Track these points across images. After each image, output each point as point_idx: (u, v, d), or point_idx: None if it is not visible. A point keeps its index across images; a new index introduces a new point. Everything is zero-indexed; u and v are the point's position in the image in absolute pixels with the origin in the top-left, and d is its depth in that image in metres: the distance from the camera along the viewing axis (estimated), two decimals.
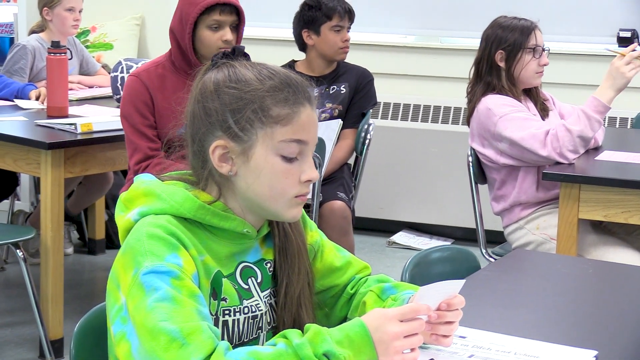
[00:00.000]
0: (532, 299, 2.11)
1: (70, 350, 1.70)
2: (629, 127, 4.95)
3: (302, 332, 1.49)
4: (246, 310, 1.65)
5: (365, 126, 4.30)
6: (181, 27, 3.23)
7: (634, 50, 3.37)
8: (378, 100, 4.51)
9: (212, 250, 1.61)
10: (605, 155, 3.47)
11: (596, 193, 3.16)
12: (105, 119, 3.83)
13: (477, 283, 2.13)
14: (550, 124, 3.41)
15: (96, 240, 4.95)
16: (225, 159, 1.61)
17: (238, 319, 1.63)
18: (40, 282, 3.64)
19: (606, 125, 4.71)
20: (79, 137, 3.62)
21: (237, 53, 1.67)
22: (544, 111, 3.58)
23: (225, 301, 1.61)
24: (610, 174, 3.22)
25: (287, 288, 1.70)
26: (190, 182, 1.66)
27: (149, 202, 1.60)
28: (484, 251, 3.58)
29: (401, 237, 5.38)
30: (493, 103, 3.44)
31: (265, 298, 1.69)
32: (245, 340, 1.65)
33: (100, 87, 4.91)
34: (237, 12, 3.25)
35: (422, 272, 2.24)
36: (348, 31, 4.28)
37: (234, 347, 1.48)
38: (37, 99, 4.36)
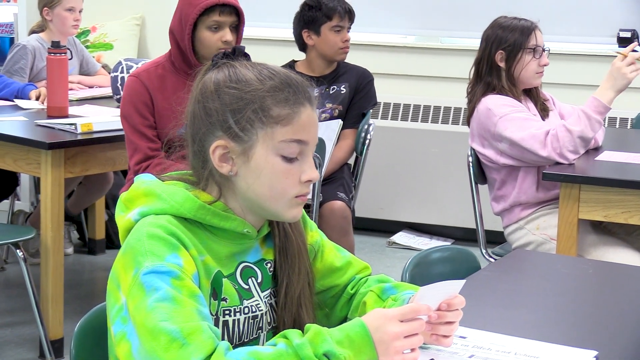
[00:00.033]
0: (532, 299, 2.11)
1: (70, 350, 1.70)
2: (629, 127, 4.95)
3: (303, 332, 1.49)
4: (246, 310, 1.65)
5: (366, 126, 4.31)
6: (181, 28, 3.23)
7: (635, 50, 3.37)
8: (378, 100, 4.51)
9: (212, 250, 1.61)
10: (605, 156, 3.47)
11: (596, 193, 3.16)
12: (105, 119, 3.83)
13: (477, 283, 2.13)
14: (550, 125, 3.41)
15: (96, 240, 4.95)
16: (226, 159, 1.61)
17: (238, 319, 1.63)
18: (40, 282, 3.64)
19: (606, 125, 4.71)
20: (79, 137, 3.62)
21: (237, 53, 1.67)
22: (544, 111, 3.59)
23: (226, 301, 1.62)
24: (610, 174, 3.22)
25: (288, 288, 1.70)
26: (191, 182, 1.66)
27: (149, 202, 1.60)
28: (484, 251, 3.58)
29: (401, 237, 5.38)
30: (493, 103, 3.44)
31: (266, 298, 1.69)
32: (245, 340, 1.65)
33: (100, 87, 4.92)
34: (237, 13, 3.25)
35: (422, 273, 2.24)
36: (348, 31, 4.28)
37: (234, 347, 1.48)
38: (37, 99, 4.36)
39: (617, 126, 4.99)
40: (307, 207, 3.73)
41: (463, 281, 1.62)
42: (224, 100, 1.60)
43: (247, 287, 1.66)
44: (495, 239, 4.16)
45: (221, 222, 1.62)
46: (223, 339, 1.61)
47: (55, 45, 3.98)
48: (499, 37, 3.47)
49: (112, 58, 5.44)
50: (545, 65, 3.50)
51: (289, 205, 1.62)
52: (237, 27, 3.27)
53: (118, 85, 4.45)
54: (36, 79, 4.76)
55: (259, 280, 1.68)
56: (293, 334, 1.48)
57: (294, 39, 4.35)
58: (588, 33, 5.26)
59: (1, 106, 4.30)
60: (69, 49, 4.37)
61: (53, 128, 3.75)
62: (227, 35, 3.22)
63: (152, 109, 3.26)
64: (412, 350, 1.51)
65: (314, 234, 1.80)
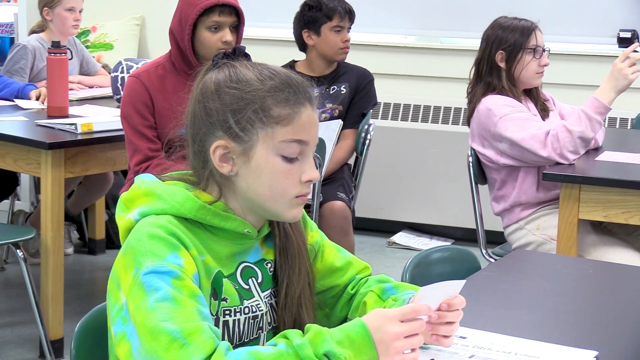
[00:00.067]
0: (533, 299, 2.11)
1: (70, 350, 1.70)
2: (629, 127, 4.95)
3: (303, 332, 1.49)
4: (247, 310, 1.65)
5: (366, 126, 4.31)
6: (181, 28, 3.23)
7: (636, 50, 3.37)
8: (378, 100, 4.51)
9: (212, 250, 1.61)
10: (605, 156, 3.47)
11: (596, 193, 3.16)
12: (105, 119, 3.83)
13: (477, 283, 2.13)
14: (550, 125, 3.41)
15: (96, 240, 4.95)
16: (226, 159, 1.61)
17: (238, 319, 1.63)
18: (40, 282, 3.64)
19: (606, 125, 4.71)
20: (79, 137, 3.62)
21: (237, 53, 1.67)
22: (544, 111, 3.59)
23: (226, 301, 1.62)
24: (610, 175, 3.22)
25: (288, 288, 1.70)
26: (191, 182, 1.66)
27: (149, 202, 1.60)
28: (484, 251, 3.58)
29: (401, 237, 5.38)
30: (493, 103, 3.44)
31: (266, 298, 1.69)
32: (245, 340, 1.65)
33: (100, 87, 4.92)
34: (237, 13, 3.24)
35: (422, 273, 2.24)
36: (348, 31, 4.28)
37: (234, 348, 1.48)
38: (38, 99, 4.36)
39: (617, 126, 4.99)
40: (307, 207, 3.73)
41: (463, 281, 1.62)
42: (224, 100, 1.60)
43: (247, 287, 1.66)
44: (496, 239, 4.16)
45: (221, 222, 1.62)
46: (223, 339, 1.61)
47: (56, 45, 3.98)
48: (499, 38, 3.48)
49: (112, 58, 5.44)
50: (545, 65, 3.50)
51: (289, 206, 1.62)
52: (237, 27, 3.26)
53: (118, 85, 4.45)
54: (36, 79, 4.76)
55: (259, 280, 1.68)
56: (293, 334, 1.48)
57: (294, 39, 4.35)
58: (588, 33, 5.26)
59: (1, 106, 4.30)
60: (69, 49, 4.37)
61: (53, 128, 3.75)
62: (227, 35, 3.21)
63: (152, 110, 3.26)
64: (413, 350, 1.51)
65: (314, 234, 1.80)
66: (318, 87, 4.18)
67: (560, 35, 5.19)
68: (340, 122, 4.17)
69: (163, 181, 1.66)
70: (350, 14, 4.27)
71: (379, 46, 5.54)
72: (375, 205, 5.45)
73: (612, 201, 3.14)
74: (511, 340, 1.72)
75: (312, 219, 1.86)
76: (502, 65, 3.48)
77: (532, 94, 3.60)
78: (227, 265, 1.64)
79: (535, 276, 2.32)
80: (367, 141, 4.28)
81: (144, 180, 1.65)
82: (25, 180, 5.26)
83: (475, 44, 3.68)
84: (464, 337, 1.71)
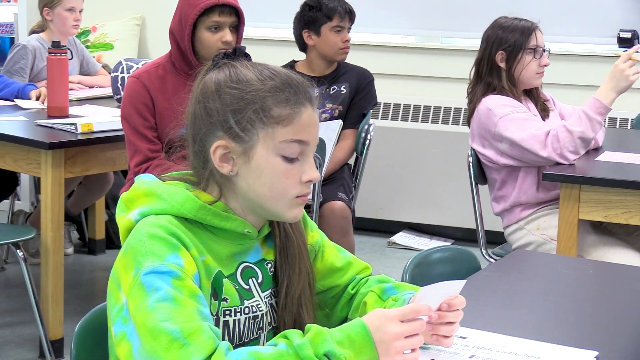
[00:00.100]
0: (533, 299, 2.11)
1: (70, 350, 1.70)
2: (629, 127, 4.95)
3: (303, 332, 1.49)
4: (247, 310, 1.65)
5: (366, 126, 4.31)
6: (181, 29, 3.23)
7: (638, 52, 3.37)
8: (378, 100, 4.51)
9: (213, 250, 1.61)
10: (605, 156, 3.47)
11: (596, 194, 3.16)
12: (105, 119, 3.83)
13: (477, 283, 2.13)
14: (550, 125, 3.41)
15: (96, 240, 4.95)
16: (226, 159, 1.61)
17: (239, 319, 1.63)
18: (40, 282, 3.64)
19: (606, 126, 4.71)
20: (80, 137, 3.62)
21: (238, 53, 1.67)
22: (544, 112, 3.59)
23: (226, 301, 1.62)
24: (610, 175, 3.22)
25: (288, 288, 1.70)
26: (191, 183, 1.66)
27: (150, 202, 1.60)
28: (484, 252, 3.58)
29: (401, 237, 5.38)
30: (493, 103, 3.44)
31: (266, 298, 1.69)
32: (245, 340, 1.65)
33: (100, 87, 4.92)
34: (237, 13, 3.24)
35: (422, 273, 2.24)
36: (348, 32, 4.28)
37: (234, 348, 1.48)
38: (38, 99, 4.36)
39: (617, 127, 4.99)
40: (308, 208, 3.73)
41: (463, 281, 1.62)
42: (224, 100, 1.60)
43: (247, 287, 1.66)
44: (496, 239, 4.16)
45: (222, 223, 1.62)
46: (223, 339, 1.61)
47: (56, 45, 3.98)
48: (500, 38, 3.48)
49: (112, 58, 5.44)
50: (545, 65, 3.50)
51: (290, 206, 1.62)
52: (237, 27, 3.26)
53: (118, 85, 4.45)
54: (36, 79, 4.76)
55: (260, 280, 1.68)
56: (293, 334, 1.48)
57: (294, 39, 4.35)
58: (588, 33, 5.26)
59: (1, 106, 4.30)
60: (69, 49, 4.37)
61: (53, 128, 3.75)
62: (227, 35, 3.21)
63: (152, 110, 3.26)
64: (413, 350, 1.51)
65: (315, 234, 1.80)
66: (318, 87, 4.18)
67: (560, 36, 5.19)
68: (340, 122, 4.17)
69: (163, 181, 1.66)
70: (350, 14, 4.27)
71: (379, 46, 5.54)
72: (375, 205, 5.45)
73: (612, 201, 3.14)
74: (511, 340, 1.72)
75: (312, 219, 1.86)
76: (503, 65, 3.48)
77: (532, 94, 3.60)
78: (228, 266, 1.64)
79: (535, 276, 2.32)
80: (367, 141, 4.28)
81: (144, 181, 1.65)
82: (25, 180, 5.26)
83: (475, 44, 3.68)
84: (464, 337, 1.71)
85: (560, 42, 5.16)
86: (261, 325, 1.67)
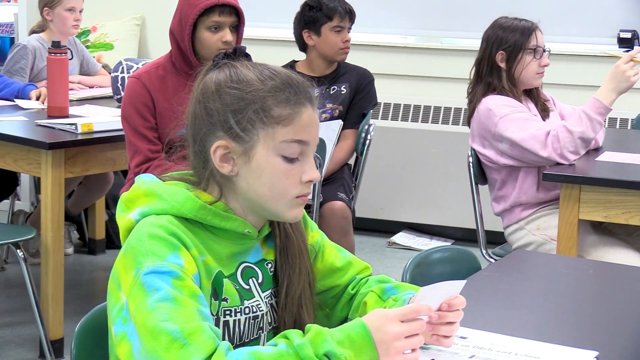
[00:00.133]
0: (533, 299, 2.11)
1: (71, 350, 1.70)
2: (629, 127, 4.95)
3: (303, 332, 1.49)
4: (247, 310, 1.65)
5: (366, 127, 4.31)
6: (181, 29, 3.23)
7: None
8: (378, 100, 4.51)
9: (213, 250, 1.61)
10: (605, 156, 3.47)
11: (596, 194, 3.16)
12: (105, 119, 3.83)
13: (477, 283, 2.13)
14: (550, 125, 3.41)
15: (96, 240, 4.95)
16: (227, 159, 1.61)
17: (239, 319, 1.63)
18: (40, 282, 3.64)
19: (606, 126, 4.71)
20: (80, 137, 3.62)
21: (238, 53, 1.67)
22: (544, 112, 3.59)
23: (226, 301, 1.62)
24: (610, 175, 3.22)
25: (288, 288, 1.70)
26: (192, 183, 1.66)
27: (150, 202, 1.60)
28: (484, 252, 3.58)
29: (401, 237, 5.38)
30: (494, 103, 3.44)
31: (266, 298, 1.69)
32: (246, 340, 1.65)
33: (100, 87, 4.92)
34: (237, 13, 3.24)
35: (422, 273, 2.24)
36: (349, 32, 4.28)
37: (234, 348, 1.48)
38: (38, 99, 4.36)
39: (617, 127, 4.99)
40: (308, 208, 3.73)
41: (464, 281, 1.62)
42: (225, 100, 1.60)
43: (247, 287, 1.66)
44: (496, 239, 4.16)
45: (222, 223, 1.62)
46: (224, 339, 1.61)
47: (56, 45, 3.98)
48: (500, 38, 3.48)
49: (112, 58, 5.44)
50: (545, 65, 3.50)
51: (290, 206, 1.62)
52: (237, 27, 3.26)
53: (118, 85, 4.45)
54: (36, 79, 4.76)
55: (260, 280, 1.68)
56: (294, 334, 1.48)
57: (294, 39, 4.35)
58: (588, 33, 5.26)
59: (1, 106, 4.30)
60: (69, 49, 4.37)
61: (53, 128, 3.75)
62: (227, 35, 3.21)
63: (153, 111, 3.26)
64: (413, 350, 1.51)
65: (315, 234, 1.80)
66: (318, 87, 4.18)
67: (560, 36, 5.19)
68: (340, 122, 4.17)
69: (163, 181, 1.66)
70: (350, 14, 4.27)
71: (379, 46, 5.54)
72: (375, 205, 5.45)
73: (612, 201, 3.14)
74: (511, 340, 1.72)
75: (312, 219, 1.86)
76: (503, 65, 3.48)
77: (533, 94, 3.60)
78: (228, 266, 1.64)
79: (535, 276, 2.32)
80: (367, 141, 4.28)
81: (145, 181, 1.65)
82: (25, 180, 5.26)
83: (476, 44, 3.68)
84: (465, 337, 1.71)
85: (560, 42, 5.16)
86: (261, 325, 1.67)
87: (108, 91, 4.68)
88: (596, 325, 1.92)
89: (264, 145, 1.59)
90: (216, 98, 1.61)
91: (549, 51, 3.53)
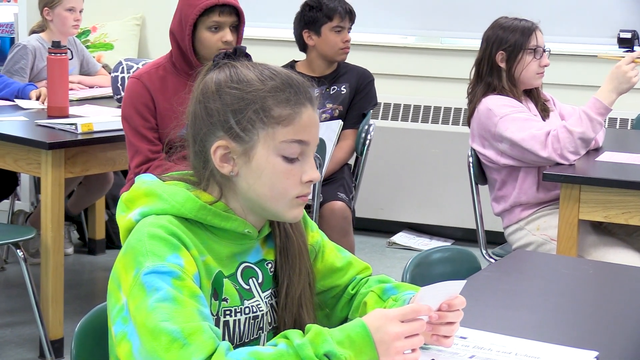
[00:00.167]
0: (533, 299, 2.11)
1: (71, 351, 1.70)
2: (629, 127, 4.95)
3: (303, 332, 1.49)
4: (247, 310, 1.65)
5: (366, 127, 4.31)
6: (181, 29, 3.23)
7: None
8: (378, 100, 4.51)
9: (213, 250, 1.61)
10: (605, 156, 3.47)
11: (596, 194, 3.16)
12: (105, 119, 3.83)
13: (477, 284, 2.13)
14: (551, 125, 3.41)
15: (96, 240, 4.95)
16: (227, 159, 1.61)
17: (239, 320, 1.63)
18: (40, 282, 3.64)
19: (606, 126, 4.71)
20: (80, 137, 3.62)
21: (238, 53, 1.67)
22: (544, 112, 3.59)
23: (226, 301, 1.62)
24: (610, 175, 3.22)
25: (288, 288, 1.70)
26: (192, 183, 1.66)
27: (150, 203, 1.60)
28: (484, 252, 3.58)
29: (401, 237, 5.38)
30: (494, 103, 3.44)
31: (266, 298, 1.69)
32: (246, 340, 1.65)
33: (100, 87, 4.92)
34: (237, 13, 3.24)
35: (422, 273, 2.24)
36: (349, 32, 4.28)
37: (234, 348, 1.48)
38: (38, 99, 4.36)
39: (617, 127, 4.99)
40: (308, 208, 3.73)
41: (464, 282, 1.62)
42: (225, 100, 1.60)
43: (247, 287, 1.66)
44: (496, 239, 4.16)
45: (222, 223, 1.62)
46: (224, 339, 1.61)
47: (56, 45, 3.98)
48: (500, 38, 3.48)
49: (112, 58, 5.44)
50: (545, 65, 3.50)
51: (290, 206, 1.62)
52: (238, 27, 3.26)
53: (118, 85, 4.45)
54: (36, 79, 4.76)
55: (260, 280, 1.68)
56: (294, 334, 1.48)
57: (294, 39, 4.35)
58: (588, 33, 5.26)
59: (1, 106, 4.30)
60: (69, 49, 4.37)
61: (53, 128, 3.75)
62: (227, 35, 3.21)
63: (153, 111, 3.26)
64: (413, 350, 1.51)
65: (315, 235, 1.80)
66: (318, 87, 4.18)
67: (560, 36, 5.19)
68: (340, 122, 4.17)
69: (164, 181, 1.66)
70: (350, 14, 4.27)
71: (379, 46, 5.55)
72: (375, 206, 5.45)
73: (612, 201, 3.14)
74: (511, 340, 1.72)
75: (312, 219, 1.86)
76: (503, 65, 3.48)
77: (533, 95, 3.60)
78: (228, 266, 1.64)
79: (535, 276, 2.32)
80: (367, 141, 4.28)
81: (145, 181, 1.65)
82: (25, 180, 5.26)
83: (476, 44, 3.68)
84: (465, 338, 1.71)
85: (560, 42, 5.16)
86: (261, 326, 1.67)
87: (108, 91, 4.68)
88: (596, 325, 1.92)
89: (264, 145, 1.59)
90: (216, 98, 1.61)
91: (549, 51, 3.53)
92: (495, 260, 3.49)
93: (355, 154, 4.35)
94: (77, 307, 4.08)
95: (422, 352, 1.58)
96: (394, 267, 4.80)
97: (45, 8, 4.75)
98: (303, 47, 4.33)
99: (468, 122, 3.58)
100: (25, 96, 4.40)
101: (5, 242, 3.56)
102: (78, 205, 4.82)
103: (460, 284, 1.61)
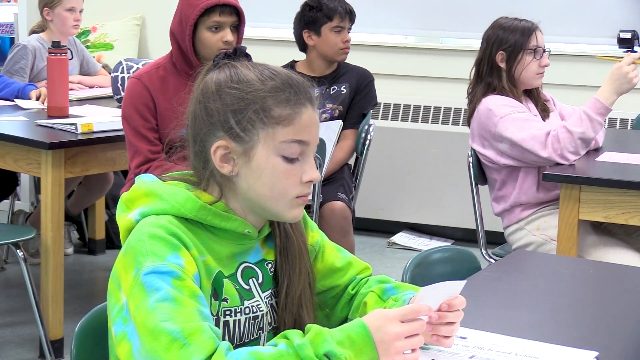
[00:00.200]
0: (533, 299, 2.11)
1: (71, 351, 1.70)
2: (629, 128, 4.95)
3: (303, 332, 1.49)
4: (247, 310, 1.65)
5: (366, 127, 4.31)
6: (181, 29, 3.23)
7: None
8: (378, 100, 4.51)
9: (213, 250, 1.61)
10: (605, 156, 3.47)
11: (596, 194, 3.16)
12: (105, 119, 3.83)
13: (477, 284, 2.13)
14: (551, 125, 3.41)
15: (96, 240, 4.95)
16: (227, 159, 1.61)
17: (239, 320, 1.63)
18: (40, 282, 3.64)
19: (606, 126, 4.71)
20: (80, 137, 3.62)
21: (238, 53, 1.67)
22: (544, 112, 3.59)
23: (226, 301, 1.62)
24: (610, 175, 3.22)
25: (288, 289, 1.70)
26: (192, 183, 1.66)
27: (150, 203, 1.60)
28: (484, 252, 3.58)
29: (401, 237, 5.38)
30: (494, 104, 3.44)
31: (266, 298, 1.69)
32: (246, 340, 1.65)
33: (100, 87, 4.92)
34: (237, 13, 3.24)
35: (422, 273, 2.24)
36: (349, 32, 4.28)
37: (234, 348, 1.48)
38: (38, 99, 4.36)
39: (617, 127, 4.99)
40: (308, 208, 3.73)
41: (464, 282, 1.62)
42: (225, 100, 1.60)
43: (247, 287, 1.66)
44: (496, 239, 4.16)
45: (222, 223, 1.62)
46: (224, 339, 1.61)
47: (56, 45, 3.98)
48: (500, 38, 3.48)
49: (112, 58, 5.44)
50: (545, 66, 3.50)
51: (290, 206, 1.62)
52: (238, 27, 3.26)
53: (118, 85, 4.45)
54: (36, 79, 4.76)
55: (260, 280, 1.68)
56: (294, 334, 1.48)
57: (294, 39, 4.36)
58: (588, 34, 5.26)
59: (1, 106, 4.30)
60: (69, 49, 4.37)
61: (53, 128, 3.75)
62: (228, 35, 3.21)
63: (153, 111, 3.26)
64: (413, 350, 1.51)
65: (315, 235, 1.80)
66: (318, 87, 4.18)
67: (560, 36, 5.19)
68: (340, 122, 4.17)
69: (164, 181, 1.66)
70: (350, 15, 4.27)
71: (379, 46, 5.55)
72: (375, 206, 5.45)
73: (612, 202, 3.14)
74: (511, 340, 1.72)
75: (312, 219, 1.86)
76: (503, 65, 3.48)
77: (533, 95, 3.60)
78: (228, 266, 1.64)
79: (535, 277, 2.32)
80: (367, 141, 4.28)
81: (145, 181, 1.65)
82: (25, 180, 5.26)
83: (476, 44, 3.68)
84: (465, 338, 1.71)
85: (560, 42, 5.16)
86: (261, 326, 1.68)
87: (108, 91, 4.68)
88: (596, 325, 1.92)
89: (264, 145, 1.59)
90: (216, 98, 1.61)
91: (549, 51, 3.53)
92: (495, 260, 3.49)
93: (355, 154, 4.35)
94: (77, 307, 4.08)
95: (422, 352, 1.59)
96: (394, 267, 4.80)
97: (45, 8, 4.75)
98: (303, 47, 4.33)
99: (468, 122, 3.58)
100: (25, 96, 4.40)
101: (5, 242, 3.56)
102: (78, 205, 4.82)
103: (460, 284, 1.62)
